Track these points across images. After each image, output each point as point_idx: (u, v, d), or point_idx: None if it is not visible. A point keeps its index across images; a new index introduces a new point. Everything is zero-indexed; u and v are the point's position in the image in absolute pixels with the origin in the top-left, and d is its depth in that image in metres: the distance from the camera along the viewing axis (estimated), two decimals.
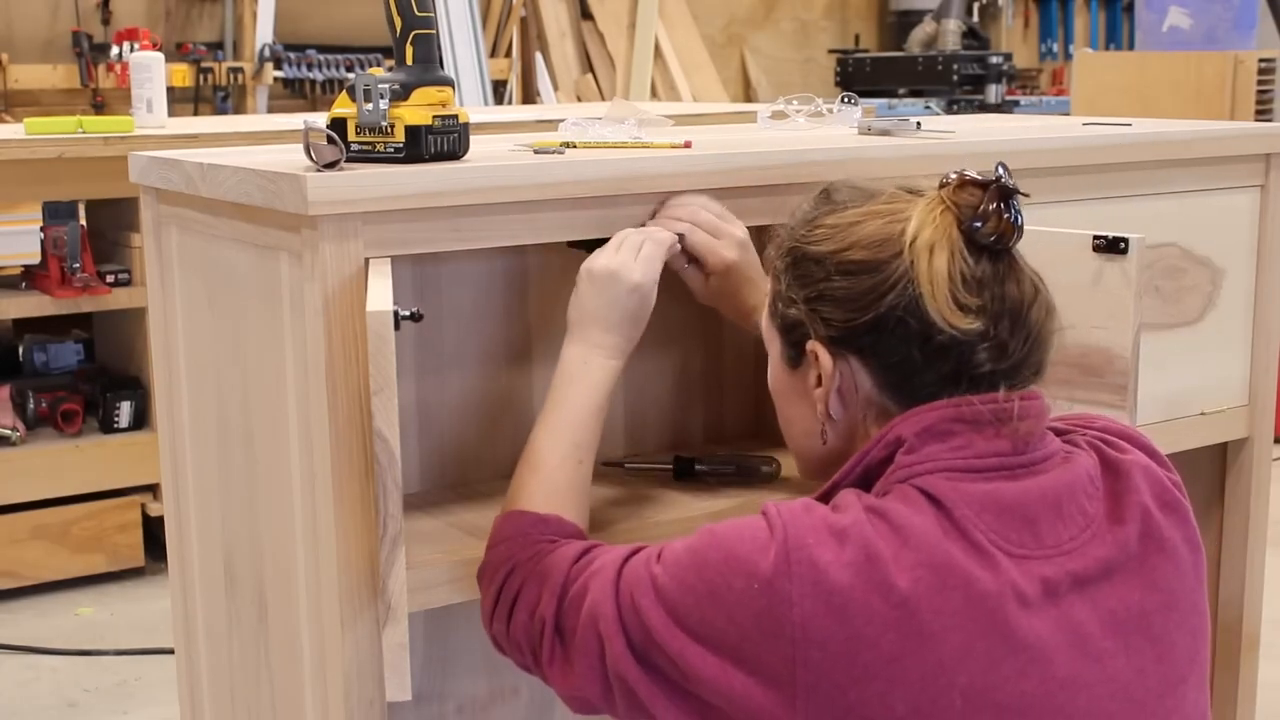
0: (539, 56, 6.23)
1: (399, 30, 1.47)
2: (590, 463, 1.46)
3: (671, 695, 1.21)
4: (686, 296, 1.78)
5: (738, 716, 1.17)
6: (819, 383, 1.30)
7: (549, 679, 1.31)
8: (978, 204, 1.24)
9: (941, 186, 1.27)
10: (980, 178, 1.25)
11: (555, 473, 1.43)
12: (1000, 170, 1.26)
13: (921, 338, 1.23)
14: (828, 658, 1.13)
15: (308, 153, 1.42)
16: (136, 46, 4.63)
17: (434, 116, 1.47)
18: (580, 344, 1.47)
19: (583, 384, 1.46)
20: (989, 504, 1.19)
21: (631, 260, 1.48)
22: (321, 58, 5.66)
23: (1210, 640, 1.29)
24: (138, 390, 3.54)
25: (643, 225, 1.55)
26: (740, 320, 1.63)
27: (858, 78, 6.62)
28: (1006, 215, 1.24)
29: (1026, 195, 1.26)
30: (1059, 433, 1.30)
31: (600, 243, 1.52)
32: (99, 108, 5.18)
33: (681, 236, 1.54)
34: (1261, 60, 4.46)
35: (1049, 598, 1.17)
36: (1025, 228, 1.26)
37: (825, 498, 1.25)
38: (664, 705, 1.21)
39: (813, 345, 1.29)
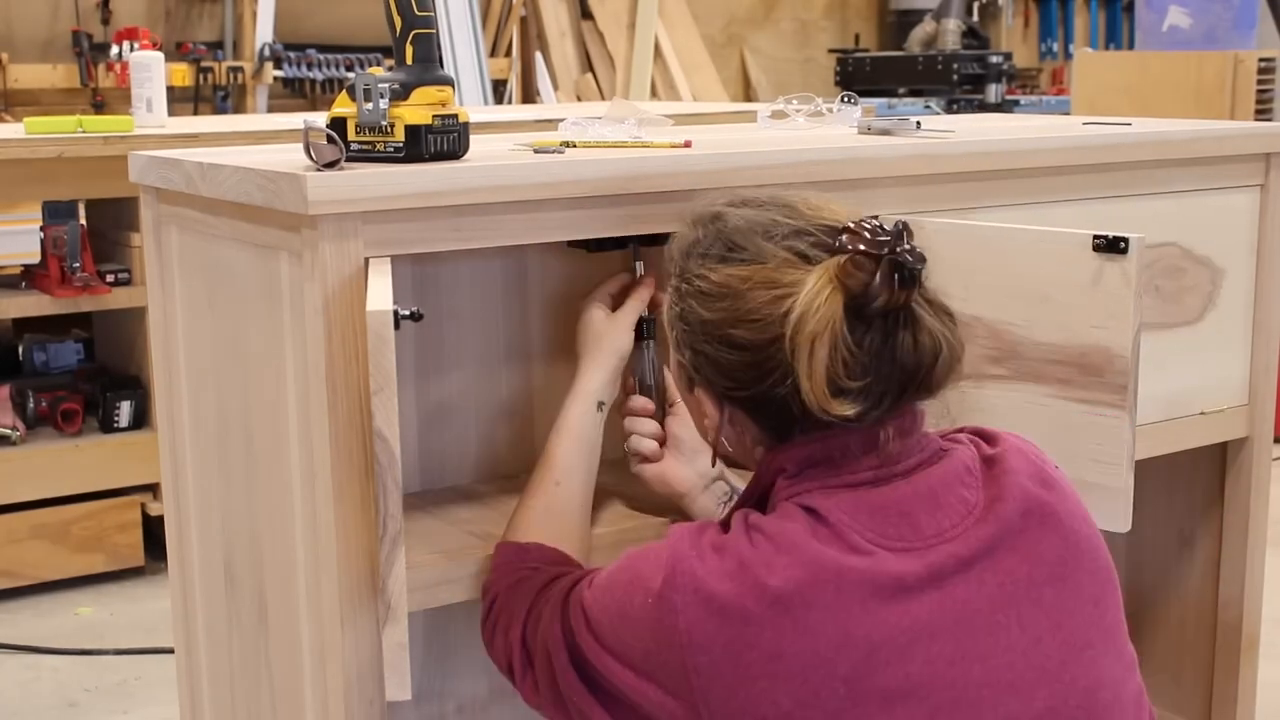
0: (539, 56, 6.23)
1: (399, 30, 1.47)
2: (570, 484, 1.52)
3: (607, 710, 1.27)
4: None
5: None
6: (707, 415, 1.33)
7: (524, 698, 1.37)
8: (869, 280, 1.20)
9: (834, 251, 1.23)
10: (872, 247, 1.21)
11: (535, 500, 1.51)
12: (896, 235, 1.23)
13: (800, 413, 1.24)
14: (714, 661, 1.17)
15: (308, 152, 1.42)
16: (136, 46, 4.62)
17: (434, 116, 1.47)
18: (573, 394, 1.58)
19: (558, 447, 1.55)
20: (863, 507, 1.23)
21: (598, 306, 1.61)
22: (321, 57, 5.66)
23: (1123, 607, 1.29)
24: (138, 390, 3.54)
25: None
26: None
27: (858, 77, 6.62)
28: (900, 286, 1.21)
29: (922, 263, 1.23)
30: (941, 434, 1.33)
31: (600, 243, 1.52)
32: (99, 107, 5.18)
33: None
34: (1261, 60, 4.46)
35: (934, 581, 1.20)
36: (926, 266, 1.24)
37: (726, 520, 1.29)
38: (600, 716, 1.28)
39: (700, 394, 1.32)
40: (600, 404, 1.56)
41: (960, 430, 1.35)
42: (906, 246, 1.22)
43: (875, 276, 1.20)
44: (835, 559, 1.18)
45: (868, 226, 1.23)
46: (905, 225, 1.24)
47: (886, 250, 1.21)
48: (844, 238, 1.23)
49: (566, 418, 1.55)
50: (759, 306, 1.24)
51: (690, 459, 1.60)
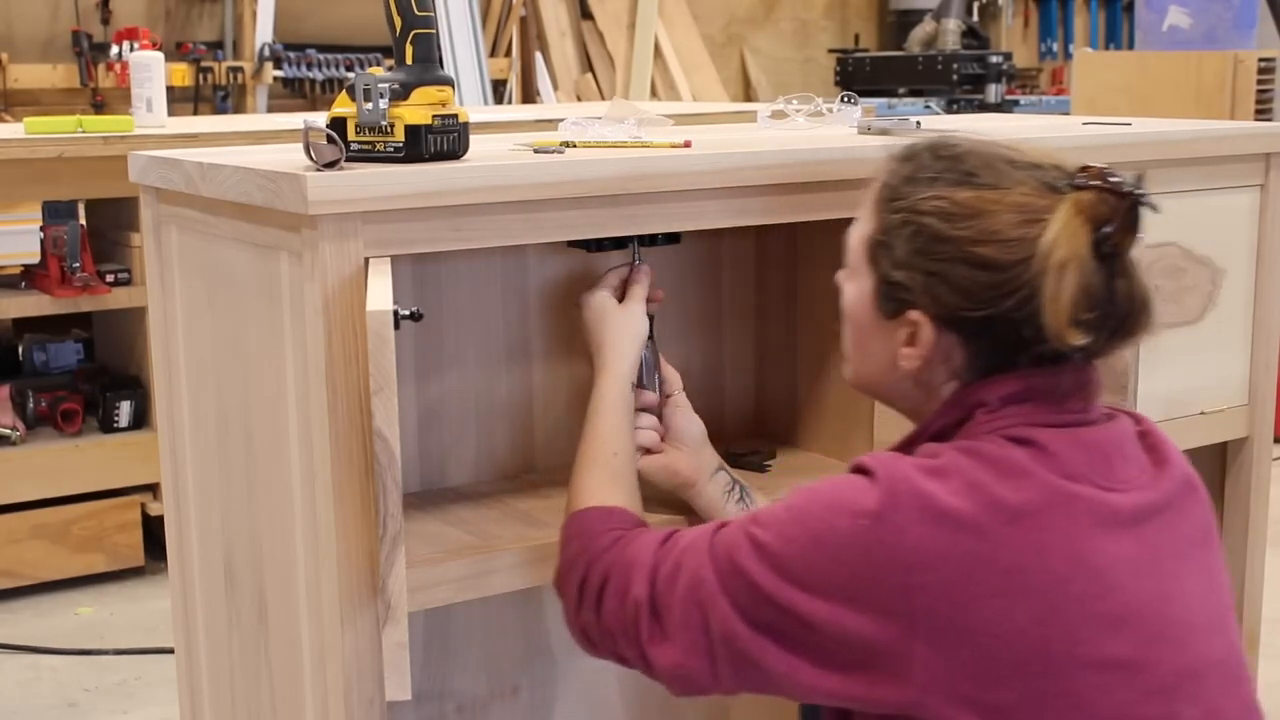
0: (539, 56, 6.23)
1: (399, 30, 1.47)
2: (625, 455, 1.52)
3: (784, 648, 1.23)
4: (685, 300, 1.79)
5: (854, 657, 1.20)
6: (909, 342, 1.32)
7: (650, 659, 1.32)
8: (1110, 216, 1.24)
9: (1078, 187, 1.27)
10: (1117, 186, 1.25)
11: (598, 469, 1.49)
12: (1135, 180, 1.27)
13: (1028, 342, 1.26)
14: (944, 579, 1.17)
15: (308, 152, 1.41)
16: (136, 46, 4.63)
17: (434, 116, 1.47)
18: (599, 371, 1.58)
19: (597, 414, 1.55)
20: (1073, 442, 1.25)
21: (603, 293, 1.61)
22: (321, 57, 5.66)
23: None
24: (138, 390, 3.53)
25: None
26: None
27: (857, 77, 6.62)
28: (1133, 229, 1.25)
29: (1156, 210, 1.27)
30: None
31: (600, 243, 1.52)
32: (99, 107, 5.18)
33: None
34: (1261, 60, 4.46)
35: (1135, 521, 1.24)
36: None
37: (903, 451, 1.30)
38: (776, 658, 1.23)
39: (917, 316, 1.30)
40: (631, 384, 1.57)
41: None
42: (1143, 191, 1.26)
43: (1117, 214, 1.24)
44: (1064, 484, 1.22)
45: (1105, 169, 1.27)
46: (1140, 176, 1.29)
47: (1129, 191, 1.25)
48: (1085, 176, 1.27)
49: (604, 397, 1.54)
50: (1008, 227, 1.26)
51: (695, 450, 1.60)
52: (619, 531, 1.40)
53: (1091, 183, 1.26)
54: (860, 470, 1.25)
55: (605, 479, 1.48)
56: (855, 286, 1.37)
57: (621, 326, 1.59)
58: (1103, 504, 1.23)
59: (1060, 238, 1.23)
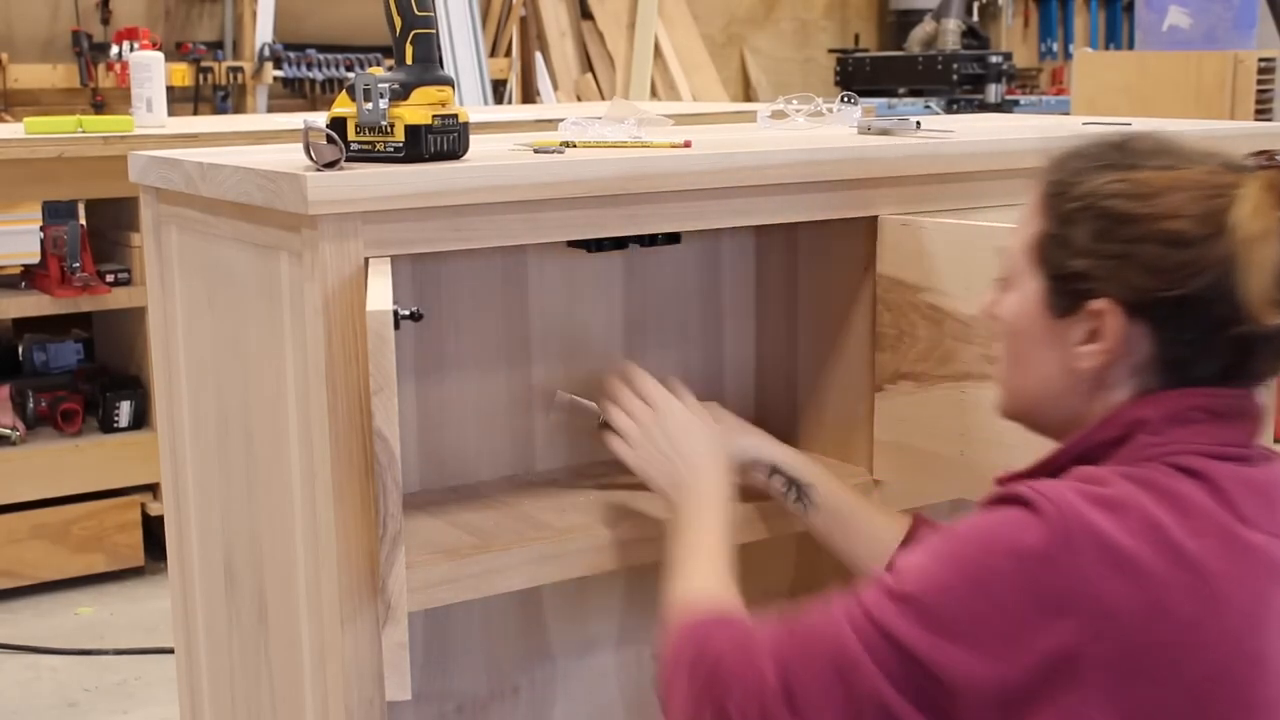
0: (539, 56, 6.23)
1: (399, 30, 1.47)
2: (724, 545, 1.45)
3: (934, 715, 1.14)
4: (685, 299, 1.79)
5: (1016, 708, 1.12)
6: (1090, 339, 1.24)
7: None
8: None
9: (1263, 167, 1.24)
10: None
11: (703, 563, 1.42)
12: None
13: (1222, 323, 1.20)
14: (1122, 627, 1.10)
15: (308, 152, 1.41)
16: (136, 46, 4.63)
17: (434, 116, 1.47)
18: (681, 489, 1.51)
19: (707, 528, 1.47)
20: (1243, 482, 1.18)
21: (654, 415, 1.55)
22: (321, 57, 5.66)
23: None
24: (138, 390, 3.54)
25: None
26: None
27: (857, 77, 6.62)
28: None
29: None
30: None
31: (600, 243, 1.52)
32: (99, 107, 5.18)
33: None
34: (1261, 60, 4.45)
35: None
36: None
37: (1042, 475, 1.22)
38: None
39: (1103, 305, 1.22)
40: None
41: None
42: None
43: None
44: (1240, 531, 1.15)
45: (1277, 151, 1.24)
46: None
47: None
48: (1263, 158, 1.25)
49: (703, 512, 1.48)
50: (1195, 202, 1.21)
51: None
52: (735, 628, 1.28)
53: (1275, 162, 1.23)
54: (1014, 501, 1.16)
55: (705, 568, 1.41)
56: (1017, 295, 1.30)
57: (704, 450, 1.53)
58: (1273, 556, 1.16)
59: (1254, 212, 1.19)
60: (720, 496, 1.50)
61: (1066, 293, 1.25)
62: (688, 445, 1.54)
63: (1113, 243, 1.22)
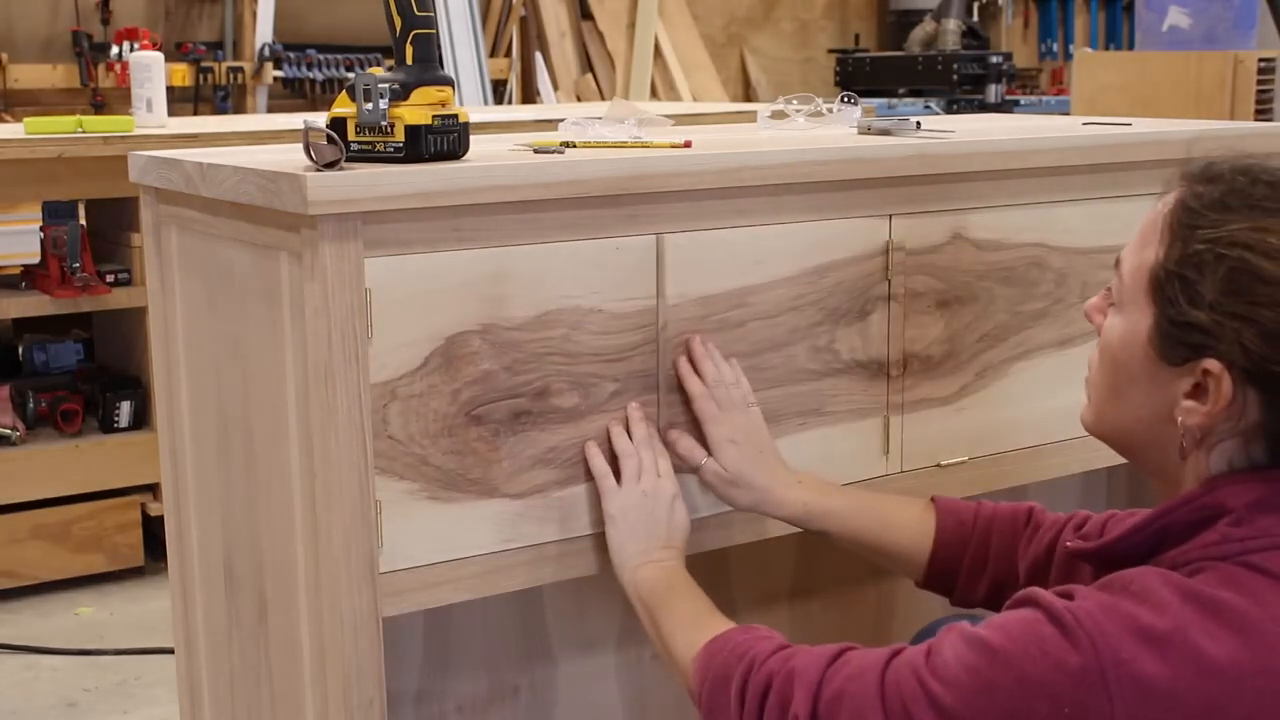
0: (539, 56, 6.23)
1: (399, 30, 1.47)
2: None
3: None
4: None
5: None
6: (1195, 395, 1.16)
7: None
8: None
9: None
10: None
11: (714, 616, 1.42)
12: None
13: None
14: None
15: (308, 152, 1.42)
16: (136, 46, 4.63)
17: (434, 116, 1.47)
18: (650, 565, 1.49)
19: (679, 586, 1.47)
20: None
21: (655, 477, 1.52)
22: (321, 57, 5.66)
23: None
24: (138, 390, 3.53)
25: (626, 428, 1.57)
26: (760, 502, 1.58)
27: (857, 77, 6.62)
28: None
29: None
30: None
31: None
32: (99, 107, 5.18)
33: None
34: (1261, 60, 4.46)
35: None
36: None
37: (1108, 559, 1.16)
38: None
39: (1216, 367, 1.13)
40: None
41: None
42: None
43: None
44: None
45: None
46: None
47: None
48: None
49: (687, 582, 1.47)
50: None
51: (762, 451, 1.58)
52: (780, 641, 1.29)
53: None
54: (1053, 619, 1.09)
55: (715, 618, 1.40)
56: (1125, 321, 1.21)
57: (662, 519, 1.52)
58: None
59: None
60: (681, 561, 1.51)
61: (1180, 341, 1.16)
62: (670, 523, 1.53)
63: (1241, 302, 1.12)
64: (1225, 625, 1.06)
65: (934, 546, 1.56)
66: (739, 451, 1.57)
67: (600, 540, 1.57)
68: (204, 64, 5.44)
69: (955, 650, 1.13)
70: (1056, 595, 1.13)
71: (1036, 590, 1.14)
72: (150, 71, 3.43)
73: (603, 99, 5.92)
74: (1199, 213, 1.17)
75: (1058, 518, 1.52)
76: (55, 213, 3.59)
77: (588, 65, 6.29)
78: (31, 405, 3.55)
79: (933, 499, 1.61)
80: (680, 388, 1.60)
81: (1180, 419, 1.17)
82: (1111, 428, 1.26)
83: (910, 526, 1.58)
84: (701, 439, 1.59)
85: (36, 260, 3.59)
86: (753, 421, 1.60)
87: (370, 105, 1.44)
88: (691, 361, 1.59)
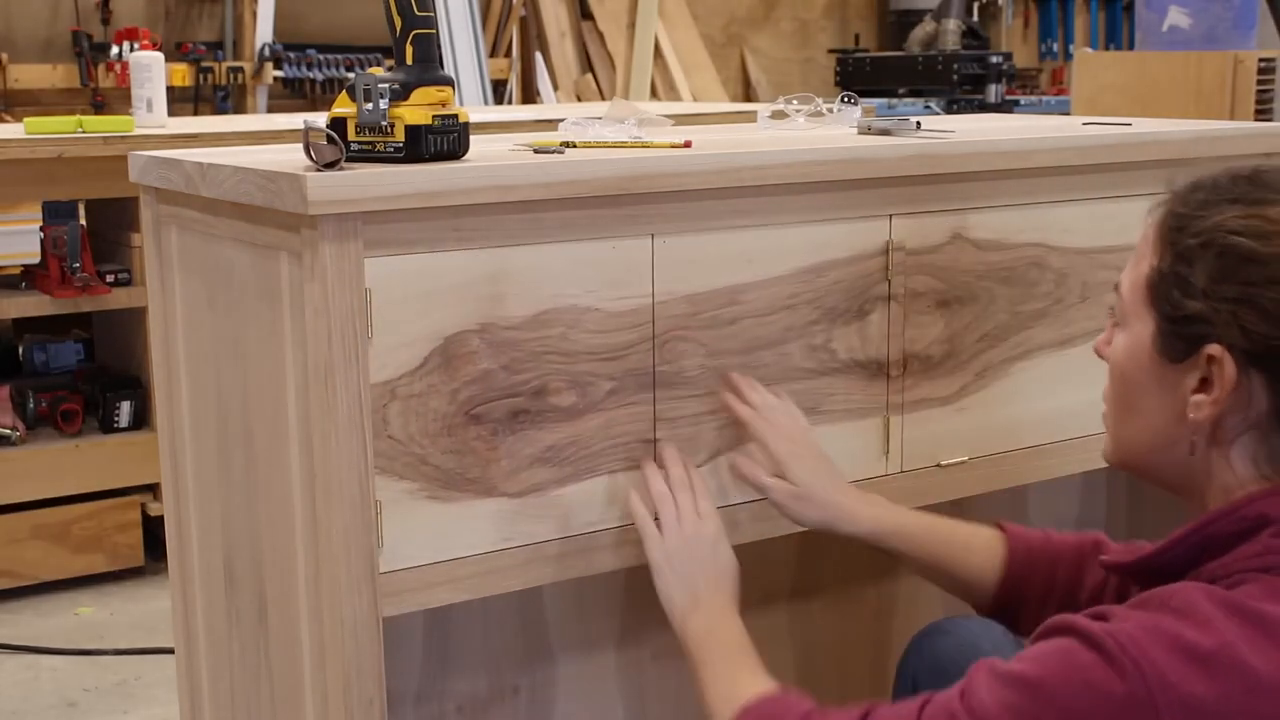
0: (539, 56, 6.23)
1: (399, 30, 1.47)
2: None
3: None
4: None
5: None
6: (1202, 388, 1.18)
7: None
8: None
9: None
10: None
11: (755, 674, 1.38)
12: None
13: None
14: None
15: (308, 152, 1.42)
16: (136, 46, 4.63)
17: (434, 116, 1.47)
18: (698, 615, 1.45)
19: (724, 640, 1.42)
20: None
21: (695, 520, 1.49)
22: (321, 58, 5.66)
23: None
24: (138, 390, 3.53)
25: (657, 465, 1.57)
26: (833, 519, 1.57)
27: (857, 77, 6.62)
28: None
29: None
30: None
31: None
32: (99, 107, 5.18)
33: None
34: (1261, 60, 4.45)
35: None
36: None
37: (1147, 573, 1.16)
38: None
39: (1217, 350, 1.15)
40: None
41: None
42: None
43: None
44: None
45: None
46: None
47: None
48: None
49: (736, 630, 1.43)
50: None
51: (830, 472, 1.58)
52: (808, 708, 1.27)
53: None
54: (1093, 645, 1.08)
55: (756, 676, 1.36)
56: (1128, 337, 1.24)
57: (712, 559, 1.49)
58: None
59: None
60: (731, 604, 1.47)
61: (1180, 336, 1.18)
62: (716, 561, 1.49)
63: (1234, 285, 1.15)
64: (1271, 639, 1.06)
65: (1003, 575, 1.53)
66: (806, 466, 1.56)
67: (600, 538, 1.57)
68: (204, 64, 5.44)
69: (990, 690, 1.11)
70: (1091, 617, 1.11)
71: (1068, 616, 1.13)
72: (150, 71, 3.43)
73: (603, 99, 5.92)
74: (1185, 216, 1.21)
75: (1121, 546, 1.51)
76: (55, 213, 3.59)
77: (588, 65, 6.29)
78: (31, 405, 3.55)
79: (1000, 525, 1.58)
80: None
81: (1191, 415, 1.18)
82: (1131, 450, 1.27)
83: (980, 552, 1.55)
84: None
85: (36, 260, 3.59)
86: (812, 439, 1.60)
87: (370, 105, 1.44)
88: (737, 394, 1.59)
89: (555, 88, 6.17)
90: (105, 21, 5.35)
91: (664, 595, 1.48)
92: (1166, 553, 1.19)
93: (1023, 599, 1.53)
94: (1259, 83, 4.46)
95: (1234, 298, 1.15)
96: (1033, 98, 6.76)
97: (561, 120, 1.77)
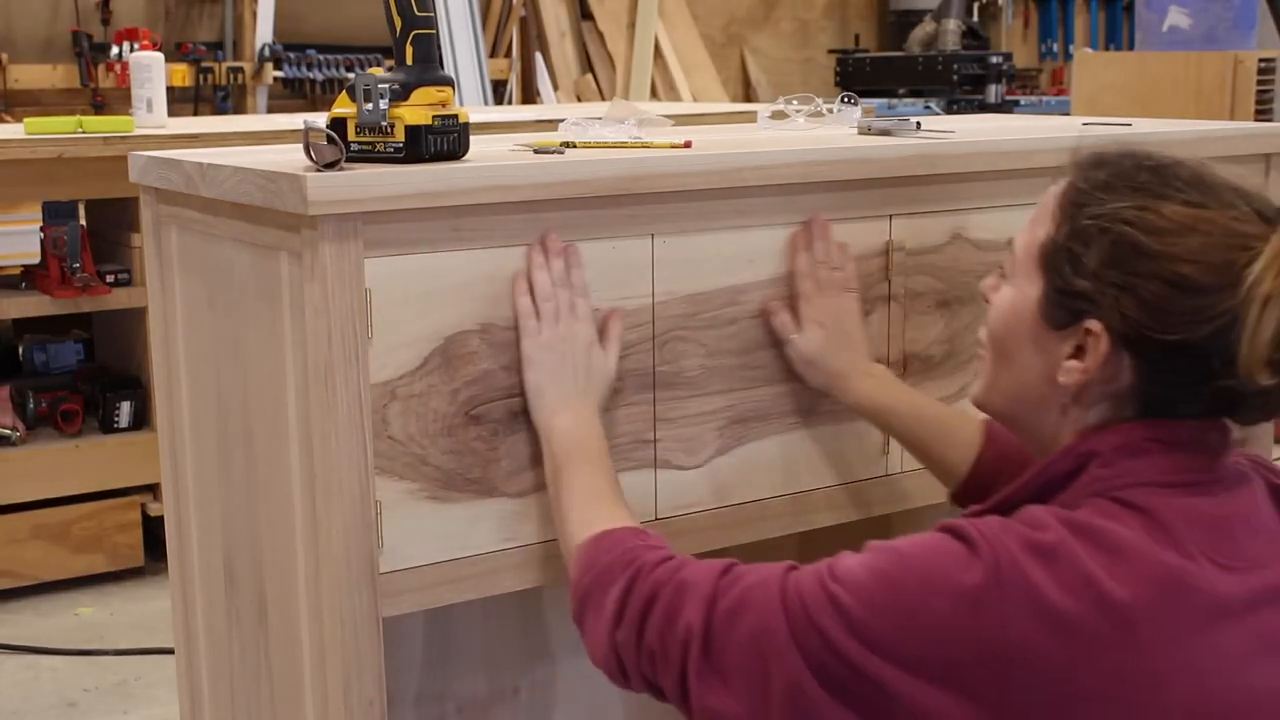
0: (539, 56, 6.23)
1: (399, 30, 1.47)
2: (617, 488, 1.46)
3: (857, 713, 1.15)
4: None
5: None
6: (1076, 355, 1.24)
7: (691, 693, 1.22)
8: None
9: None
10: None
11: (615, 503, 1.41)
12: None
13: (1211, 375, 1.18)
14: (1044, 679, 1.11)
15: (308, 152, 1.42)
16: (136, 46, 4.63)
17: (434, 116, 1.47)
18: (566, 414, 1.48)
19: (590, 453, 1.46)
20: (1193, 516, 1.17)
21: (571, 318, 1.49)
22: (321, 58, 5.67)
23: None
24: (138, 390, 3.54)
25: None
26: (829, 386, 1.66)
27: (857, 78, 6.62)
28: None
29: None
30: None
31: None
32: (99, 107, 5.18)
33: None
34: (1261, 60, 4.46)
35: (1249, 609, 1.16)
36: None
37: (1000, 510, 1.22)
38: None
39: (1096, 327, 1.21)
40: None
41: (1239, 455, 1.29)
42: None
43: None
44: (1178, 573, 1.13)
45: None
46: None
47: None
48: None
49: (600, 439, 1.47)
50: (1216, 250, 1.18)
51: (847, 337, 1.65)
52: (666, 551, 1.30)
53: None
54: (958, 535, 1.16)
55: (615, 506, 1.40)
56: (1015, 292, 1.29)
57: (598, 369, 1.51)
58: (1215, 591, 1.14)
59: (1269, 269, 1.15)
60: (597, 413, 1.50)
61: (1065, 308, 1.24)
62: (591, 372, 1.50)
63: (1121, 273, 1.20)
64: (1100, 547, 1.14)
65: (971, 470, 1.60)
66: (823, 335, 1.64)
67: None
68: (204, 64, 5.45)
69: (859, 557, 1.19)
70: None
71: (949, 519, 1.21)
72: (150, 72, 3.43)
73: (603, 99, 5.92)
74: (1087, 193, 1.26)
75: None
76: (55, 213, 3.60)
77: (588, 65, 6.29)
78: (31, 405, 3.55)
79: (986, 423, 1.62)
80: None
81: (1060, 379, 1.25)
82: (999, 397, 1.34)
83: (958, 447, 1.62)
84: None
85: (36, 260, 3.60)
86: (845, 307, 1.66)
87: (370, 105, 1.44)
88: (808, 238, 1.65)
89: (555, 88, 6.18)
90: (105, 22, 5.36)
91: (532, 390, 1.49)
92: (1016, 494, 1.26)
93: (985, 497, 1.55)
94: (1259, 83, 4.46)
95: (1119, 284, 1.20)
96: (1033, 98, 6.77)
97: (561, 120, 1.77)
